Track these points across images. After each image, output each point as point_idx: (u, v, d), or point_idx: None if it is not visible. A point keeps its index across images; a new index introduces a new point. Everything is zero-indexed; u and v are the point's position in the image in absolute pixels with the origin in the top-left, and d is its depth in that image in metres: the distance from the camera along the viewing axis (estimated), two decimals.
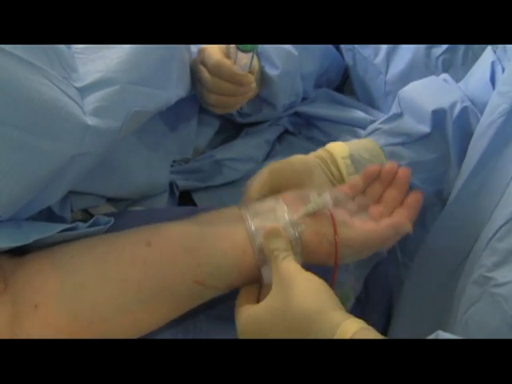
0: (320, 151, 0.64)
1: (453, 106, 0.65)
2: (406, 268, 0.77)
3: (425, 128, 0.65)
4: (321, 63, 0.88)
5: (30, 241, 0.46)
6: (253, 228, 0.52)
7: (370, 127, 0.70)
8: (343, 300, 0.49)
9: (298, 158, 0.61)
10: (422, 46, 0.84)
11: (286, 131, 0.86)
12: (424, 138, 0.65)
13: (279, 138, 0.85)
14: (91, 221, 0.52)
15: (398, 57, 0.86)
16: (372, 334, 0.42)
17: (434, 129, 0.65)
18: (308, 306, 0.45)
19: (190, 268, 0.50)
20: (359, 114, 0.85)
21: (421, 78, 0.72)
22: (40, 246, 0.50)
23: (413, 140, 0.65)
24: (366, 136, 0.68)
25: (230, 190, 0.76)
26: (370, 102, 0.90)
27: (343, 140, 0.80)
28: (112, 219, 0.54)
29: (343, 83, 0.99)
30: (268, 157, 0.82)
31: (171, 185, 0.72)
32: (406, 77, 0.82)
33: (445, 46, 0.83)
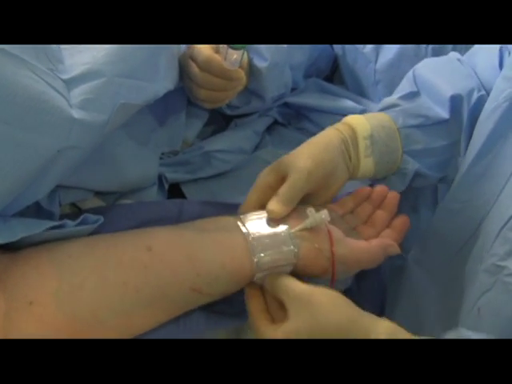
0: (342, 128, 0.62)
1: (470, 93, 0.65)
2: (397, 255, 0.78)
3: (443, 113, 0.65)
4: (310, 53, 0.87)
5: (17, 238, 0.46)
6: (251, 238, 0.53)
7: (387, 100, 0.69)
8: None
9: (327, 154, 0.58)
10: None
11: (276, 122, 0.86)
12: (441, 123, 0.65)
13: (269, 129, 0.85)
14: (79, 219, 0.51)
15: (387, 45, 0.85)
16: (402, 332, 0.46)
17: (451, 115, 0.65)
18: (337, 317, 0.47)
19: (189, 277, 0.50)
20: (349, 104, 0.85)
21: (410, 66, 0.72)
22: (30, 243, 0.49)
23: (430, 123, 0.65)
24: (384, 110, 0.67)
25: (220, 182, 0.76)
26: (360, 91, 0.90)
27: None
28: (101, 218, 0.53)
29: (333, 73, 0.98)
30: (257, 148, 0.82)
31: (160, 177, 0.72)
32: (396, 65, 0.82)
33: None
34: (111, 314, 0.47)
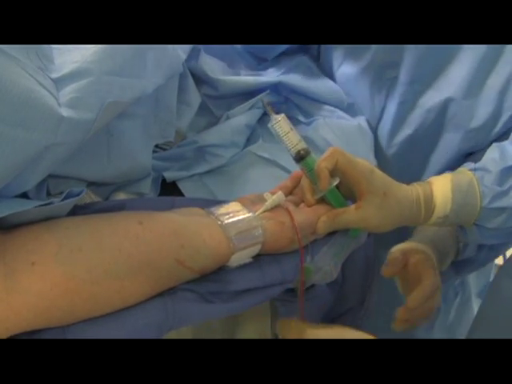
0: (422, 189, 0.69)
1: None
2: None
3: None
4: None
5: (4, 214, 0.47)
6: (224, 223, 0.59)
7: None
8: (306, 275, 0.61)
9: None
10: None
11: (266, 114, 0.85)
12: None
13: (260, 121, 0.85)
14: (64, 194, 0.53)
15: None
16: None
17: None
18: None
19: (175, 248, 0.55)
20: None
21: None
22: (22, 224, 0.51)
23: None
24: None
25: (215, 178, 0.76)
26: None
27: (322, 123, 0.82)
28: (85, 188, 0.55)
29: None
30: (249, 141, 0.83)
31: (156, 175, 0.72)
32: None
33: None
34: (105, 276, 0.51)
